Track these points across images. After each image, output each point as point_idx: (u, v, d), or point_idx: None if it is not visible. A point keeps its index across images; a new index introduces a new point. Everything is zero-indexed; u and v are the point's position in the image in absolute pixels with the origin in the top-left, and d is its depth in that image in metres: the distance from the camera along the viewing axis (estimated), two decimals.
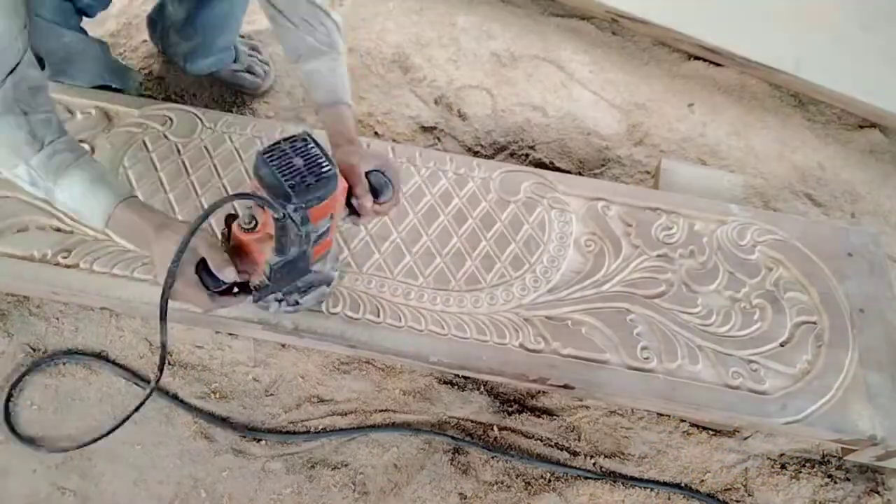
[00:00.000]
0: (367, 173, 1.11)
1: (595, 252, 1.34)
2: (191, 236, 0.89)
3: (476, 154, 1.79)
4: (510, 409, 1.41)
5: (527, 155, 1.79)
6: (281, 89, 1.81)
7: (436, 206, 1.38)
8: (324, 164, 0.91)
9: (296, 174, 0.88)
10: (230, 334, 1.44)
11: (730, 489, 1.35)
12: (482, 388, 1.43)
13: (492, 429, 1.38)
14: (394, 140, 1.77)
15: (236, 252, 1.01)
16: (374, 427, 1.36)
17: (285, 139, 0.92)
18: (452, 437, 1.35)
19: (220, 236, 1.03)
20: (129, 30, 1.88)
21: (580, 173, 1.77)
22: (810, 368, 1.23)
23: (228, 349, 1.43)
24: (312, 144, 0.92)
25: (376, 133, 1.78)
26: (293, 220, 0.91)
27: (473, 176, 1.43)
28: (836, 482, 1.36)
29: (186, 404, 1.36)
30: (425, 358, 1.22)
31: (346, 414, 1.38)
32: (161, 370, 1.01)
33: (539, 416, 1.40)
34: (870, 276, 1.34)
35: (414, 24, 2.00)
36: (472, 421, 1.39)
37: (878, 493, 1.35)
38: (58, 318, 1.43)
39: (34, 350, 1.39)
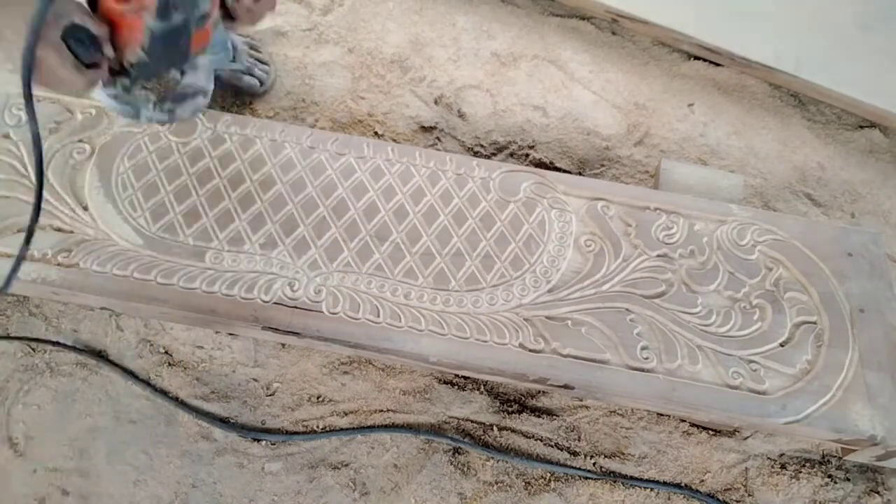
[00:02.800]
0: None
1: (595, 252, 1.34)
2: None
3: (476, 154, 1.79)
4: (510, 409, 1.41)
5: (527, 155, 1.79)
6: (281, 89, 1.81)
7: (436, 206, 1.38)
8: None
9: None
10: (230, 334, 1.44)
11: (730, 489, 1.35)
12: (482, 388, 1.43)
13: (492, 429, 1.38)
14: (394, 140, 1.77)
15: (114, 31, 0.95)
16: (372, 428, 1.36)
17: None
18: (452, 439, 1.35)
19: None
20: None
21: (580, 173, 1.77)
22: (810, 368, 1.23)
23: (228, 349, 1.43)
24: None
25: (376, 133, 1.78)
26: None
27: (473, 176, 1.43)
28: (836, 482, 1.36)
29: (187, 405, 1.36)
30: (425, 358, 1.22)
31: (346, 414, 1.38)
32: (40, 184, 0.91)
33: (539, 416, 1.40)
34: (870, 276, 1.34)
35: (414, 24, 2.00)
36: (472, 421, 1.39)
37: (878, 493, 1.35)
38: (58, 318, 1.43)
39: (34, 350, 1.39)
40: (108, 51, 0.91)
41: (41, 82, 0.88)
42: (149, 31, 0.92)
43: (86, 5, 0.94)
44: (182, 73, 1.13)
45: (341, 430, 1.36)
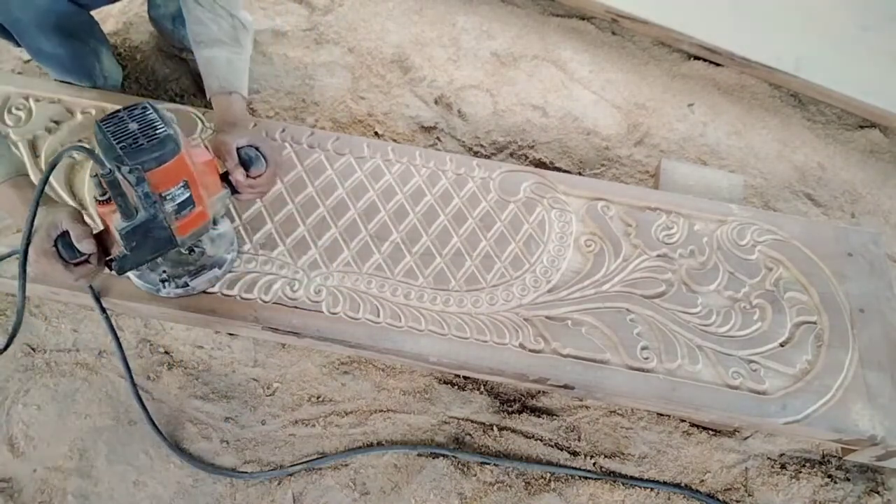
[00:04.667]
0: (239, 149, 1.16)
1: (595, 252, 1.34)
2: (37, 204, 0.95)
3: (476, 154, 1.79)
4: (510, 409, 1.41)
5: (527, 155, 1.79)
6: (280, 89, 1.81)
7: (436, 206, 1.38)
8: (159, 127, 0.96)
9: (128, 137, 0.94)
10: (230, 334, 1.44)
11: (730, 489, 1.35)
12: (482, 388, 1.43)
13: (492, 429, 1.38)
14: (394, 140, 1.77)
15: (105, 228, 1.05)
16: (365, 448, 1.34)
17: (125, 108, 0.97)
18: (448, 451, 1.34)
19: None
20: (129, 30, 1.88)
21: (580, 173, 1.77)
22: (810, 368, 1.23)
23: (228, 349, 1.43)
24: (151, 111, 0.97)
25: (376, 133, 1.78)
26: (127, 180, 0.94)
27: (473, 176, 1.43)
28: (836, 482, 1.36)
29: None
30: (425, 358, 1.22)
31: (346, 414, 1.38)
32: (9, 342, 1.11)
33: (539, 416, 1.40)
34: (870, 276, 1.34)
35: (414, 24, 2.00)
36: (472, 421, 1.39)
37: (878, 493, 1.35)
38: (58, 318, 1.43)
39: (34, 350, 1.39)
40: (86, 248, 1.02)
41: (39, 280, 1.07)
42: (118, 232, 1.00)
43: (77, 209, 1.06)
44: (200, 249, 1.22)
45: (336, 453, 1.33)
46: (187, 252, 1.21)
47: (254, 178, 1.17)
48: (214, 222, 1.20)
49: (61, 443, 1.30)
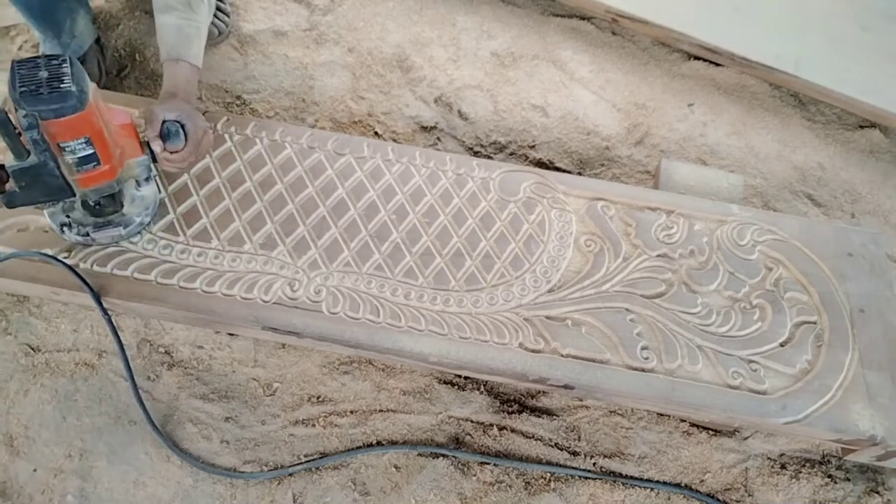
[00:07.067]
0: (164, 121, 1.17)
1: (595, 252, 1.34)
2: None
3: (476, 154, 1.79)
4: (510, 409, 1.41)
5: (527, 155, 1.80)
6: (280, 89, 1.81)
7: (436, 206, 1.38)
8: (65, 80, 0.97)
9: (33, 83, 0.95)
10: (230, 334, 1.44)
11: (730, 489, 1.35)
12: (482, 388, 1.44)
13: (492, 429, 1.38)
14: (394, 140, 1.77)
15: None
16: (365, 448, 1.35)
17: (46, 55, 0.99)
18: (448, 451, 1.34)
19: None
20: (130, 30, 1.88)
21: (580, 173, 1.77)
22: (810, 368, 1.23)
23: (228, 349, 1.43)
24: (67, 64, 0.98)
25: (376, 133, 1.78)
26: (20, 123, 0.96)
27: (473, 176, 1.43)
28: (836, 482, 1.36)
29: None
30: (425, 358, 1.22)
31: (346, 414, 1.38)
32: None
33: (539, 416, 1.40)
34: (870, 276, 1.34)
35: (414, 23, 2.00)
36: (472, 421, 1.39)
37: (878, 493, 1.35)
38: (58, 318, 1.43)
39: (34, 350, 1.39)
40: None
41: None
42: (7, 168, 1.02)
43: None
44: (120, 204, 1.23)
45: (336, 453, 1.33)
46: (99, 204, 1.22)
47: (170, 152, 1.19)
48: (138, 184, 1.23)
49: (61, 443, 1.30)
